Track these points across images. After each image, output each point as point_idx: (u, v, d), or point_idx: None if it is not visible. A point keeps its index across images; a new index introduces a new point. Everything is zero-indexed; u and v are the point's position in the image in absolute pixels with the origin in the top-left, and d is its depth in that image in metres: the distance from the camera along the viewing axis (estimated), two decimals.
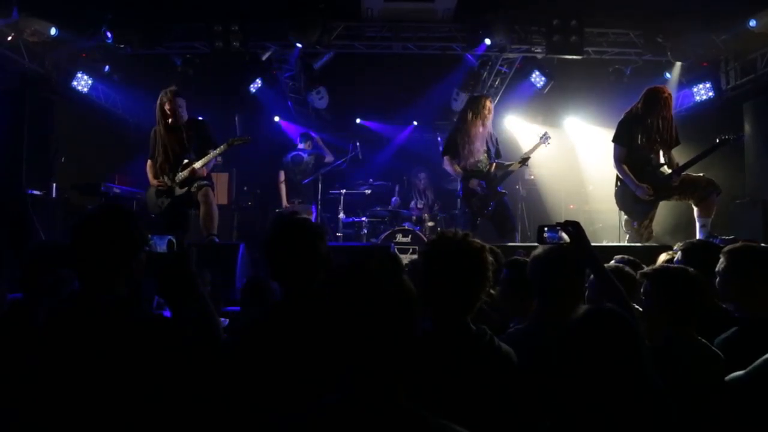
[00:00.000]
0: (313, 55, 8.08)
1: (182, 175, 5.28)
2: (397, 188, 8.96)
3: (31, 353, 1.64)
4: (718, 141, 5.09)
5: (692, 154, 5.20)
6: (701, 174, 5.15)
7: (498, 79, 8.83)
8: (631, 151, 5.22)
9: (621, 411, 1.63)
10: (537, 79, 8.07)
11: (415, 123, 10.06)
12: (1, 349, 1.82)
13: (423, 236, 7.13)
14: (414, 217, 8.19)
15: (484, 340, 1.86)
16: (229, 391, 1.77)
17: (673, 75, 7.71)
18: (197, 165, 5.25)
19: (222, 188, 8.70)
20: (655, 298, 2.20)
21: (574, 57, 7.27)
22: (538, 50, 7.52)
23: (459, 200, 6.47)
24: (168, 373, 1.65)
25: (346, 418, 1.17)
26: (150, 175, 5.43)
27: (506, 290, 2.72)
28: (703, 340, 2.16)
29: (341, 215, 8.09)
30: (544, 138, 6.00)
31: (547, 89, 8.12)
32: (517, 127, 9.46)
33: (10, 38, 6.22)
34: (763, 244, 2.59)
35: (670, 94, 5.22)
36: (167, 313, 1.95)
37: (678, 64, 7.49)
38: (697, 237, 4.91)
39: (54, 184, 6.59)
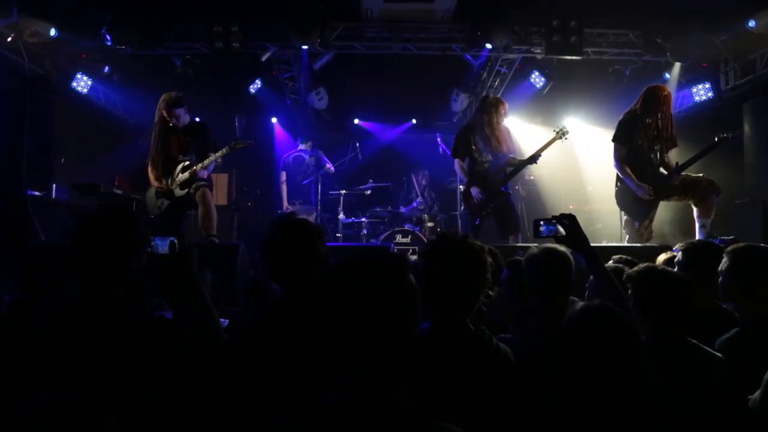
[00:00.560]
0: (313, 55, 8.07)
1: (183, 177, 5.28)
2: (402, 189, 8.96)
3: (32, 353, 1.64)
4: (717, 139, 5.09)
5: (691, 154, 5.19)
6: (701, 174, 5.15)
7: (498, 80, 8.83)
8: (631, 150, 5.22)
9: (619, 409, 1.63)
10: (536, 79, 8.08)
11: (414, 121, 10.05)
12: (2, 349, 1.82)
13: (423, 237, 7.13)
14: (414, 218, 8.19)
15: (482, 341, 1.87)
16: (230, 391, 1.77)
17: (673, 75, 7.71)
18: (198, 167, 5.25)
19: (222, 189, 8.70)
20: (636, 299, 2.22)
21: (574, 57, 7.28)
22: (538, 51, 7.52)
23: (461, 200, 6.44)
24: (169, 373, 1.65)
25: (346, 418, 1.17)
26: (151, 177, 5.43)
27: (506, 291, 2.72)
28: (694, 341, 2.15)
29: (341, 216, 8.09)
30: (561, 132, 5.52)
31: (546, 90, 8.12)
32: (517, 128, 9.44)
33: (9, 39, 6.22)
34: (762, 245, 2.58)
35: (669, 93, 5.21)
36: (168, 314, 1.96)
37: (677, 64, 7.49)
38: (697, 237, 4.90)
39: (54, 185, 6.59)
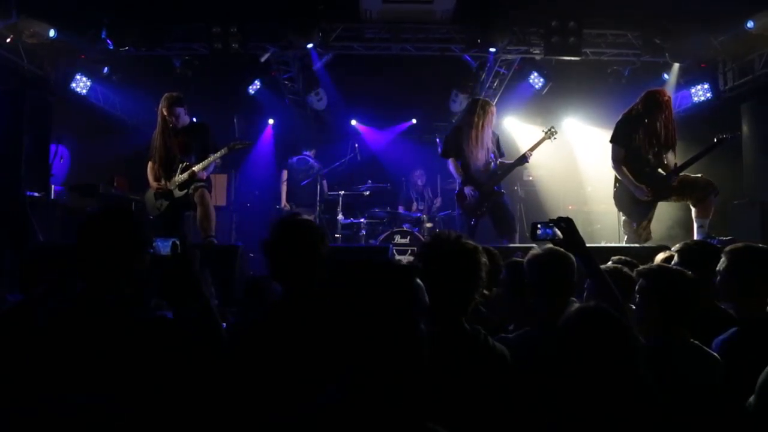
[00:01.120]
0: (312, 56, 8.07)
1: (182, 177, 5.29)
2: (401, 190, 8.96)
3: (33, 353, 1.64)
4: (715, 140, 5.10)
5: (690, 155, 5.20)
6: (700, 175, 5.16)
7: (496, 80, 8.84)
8: (629, 151, 5.23)
9: (614, 409, 1.64)
10: (535, 80, 8.09)
11: (414, 120, 10.06)
12: (2, 349, 1.82)
13: (422, 237, 7.13)
14: (413, 218, 8.19)
15: (478, 341, 1.87)
16: (230, 391, 1.78)
17: (672, 76, 7.71)
18: (197, 168, 5.26)
19: (221, 189, 8.71)
20: (649, 296, 2.22)
21: (573, 58, 7.28)
22: (537, 51, 7.53)
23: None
24: (169, 373, 1.66)
25: (346, 418, 1.17)
26: (150, 178, 5.44)
27: (505, 291, 2.73)
28: (696, 342, 2.16)
29: (340, 216, 8.09)
30: (550, 132, 5.83)
31: (545, 90, 8.13)
32: (516, 129, 9.46)
33: (9, 40, 6.22)
34: (760, 245, 2.59)
35: (669, 97, 5.23)
36: (168, 314, 1.96)
37: (676, 65, 7.49)
38: (695, 237, 4.91)
39: (52, 186, 6.58)
